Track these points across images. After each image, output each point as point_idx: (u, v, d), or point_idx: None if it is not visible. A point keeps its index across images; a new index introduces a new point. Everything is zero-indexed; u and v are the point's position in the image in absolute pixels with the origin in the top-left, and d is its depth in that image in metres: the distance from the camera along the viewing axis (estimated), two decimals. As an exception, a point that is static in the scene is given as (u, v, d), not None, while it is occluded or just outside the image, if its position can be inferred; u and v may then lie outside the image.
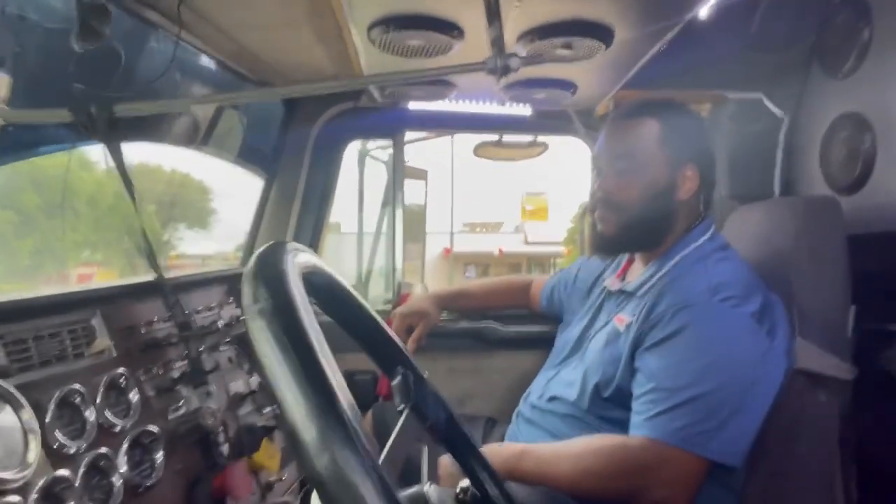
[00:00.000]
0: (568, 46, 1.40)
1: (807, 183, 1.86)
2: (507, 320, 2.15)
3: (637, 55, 1.53)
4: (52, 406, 0.97)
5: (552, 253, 20.73)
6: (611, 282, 1.50)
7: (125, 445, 1.09)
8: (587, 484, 1.22)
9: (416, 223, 3.20)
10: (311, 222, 2.20)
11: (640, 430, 1.21)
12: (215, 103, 1.81)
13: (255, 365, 1.45)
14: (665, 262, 1.36)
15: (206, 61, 1.70)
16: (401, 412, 0.68)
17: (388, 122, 2.20)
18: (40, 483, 0.89)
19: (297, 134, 2.13)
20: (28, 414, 0.91)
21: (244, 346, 1.50)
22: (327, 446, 0.39)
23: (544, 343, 1.68)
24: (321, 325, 0.64)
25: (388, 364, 0.72)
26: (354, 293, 0.67)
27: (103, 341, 1.15)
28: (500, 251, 22.11)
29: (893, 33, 1.56)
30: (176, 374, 1.27)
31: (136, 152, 1.45)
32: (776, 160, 1.93)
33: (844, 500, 1.34)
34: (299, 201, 2.16)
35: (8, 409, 0.90)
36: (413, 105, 2.15)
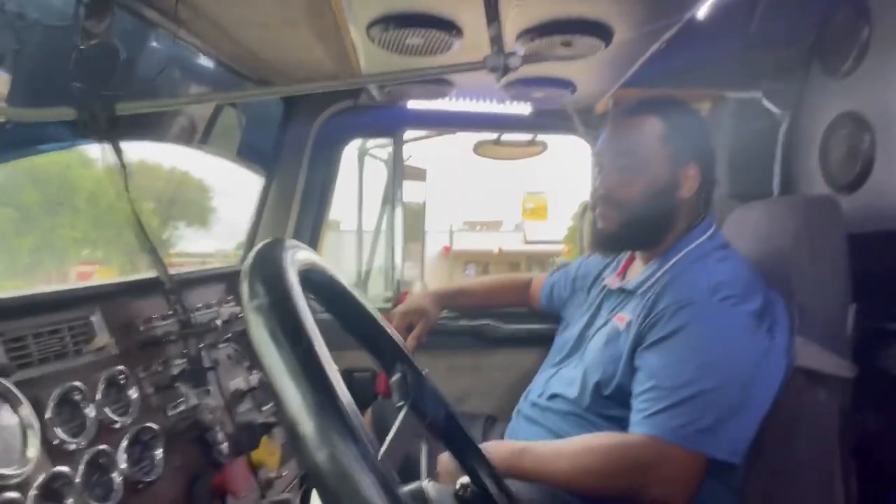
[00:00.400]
0: (567, 45, 1.40)
1: (806, 182, 1.86)
2: (506, 318, 2.15)
3: (636, 54, 1.53)
4: (51, 403, 0.97)
5: (552, 252, 20.74)
6: (611, 280, 1.50)
7: (125, 442, 1.09)
8: (587, 481, 1.23)
9: (415, 222, 3.20)
10: (310, 220, 2.20)
11: (639, 427, 1.21)
12: (215, 102, 1.81)
13: (254, 362, 1.45)
14: (665, 261, 1.36)
15: (204, 60, 1.69)
16: (400, 409, 0.68)
17: (388, 120, 2.20)
18: (40, 479, 0.89)
19: (296, 132, 2.13)
20: (27, 410, 0.92)
21: (243, 344, 1.50)
22: (327, 441, 0.39)
23: (544, 341, 1.68)
24: (321, 322, 0.64)
25: (387, 361, 0.72)
26: (353, 290, 0.67)
27: (103, 338, 1.15)
28: (500, 250, 22.12)
29: (893, 32, 1.56)
30: (175, 372, 1.28)
31: (136, 150, 1.45)
32: (776, 159, 1.93)
33: (844, 498, 1.35)
34: (298, 200, 2.16)
35: (7, 406, 0.90)
36: (412, 104, 2.15)
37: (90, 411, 1.04)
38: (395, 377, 0.70)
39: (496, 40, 1.22)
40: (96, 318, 1.17)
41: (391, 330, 0.72)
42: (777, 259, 1.40)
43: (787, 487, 1.33)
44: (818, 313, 1.36)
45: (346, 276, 0.67)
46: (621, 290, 1.44)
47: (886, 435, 1.45)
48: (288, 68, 1.77)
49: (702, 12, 1.35)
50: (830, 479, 1.34)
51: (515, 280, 2.01)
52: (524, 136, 2.37)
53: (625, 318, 1.35)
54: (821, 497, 1.34)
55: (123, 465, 1.07)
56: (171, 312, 1.29)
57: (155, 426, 1.16)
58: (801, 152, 1.88)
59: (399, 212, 2.27)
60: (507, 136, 2.36)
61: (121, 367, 1.15)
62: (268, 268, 0.49)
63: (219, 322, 1.44)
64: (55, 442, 0.96)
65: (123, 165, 1.23)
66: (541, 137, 2.38)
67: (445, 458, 1.27)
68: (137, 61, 1.46)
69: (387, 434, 0.63)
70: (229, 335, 1.48)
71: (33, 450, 0.90)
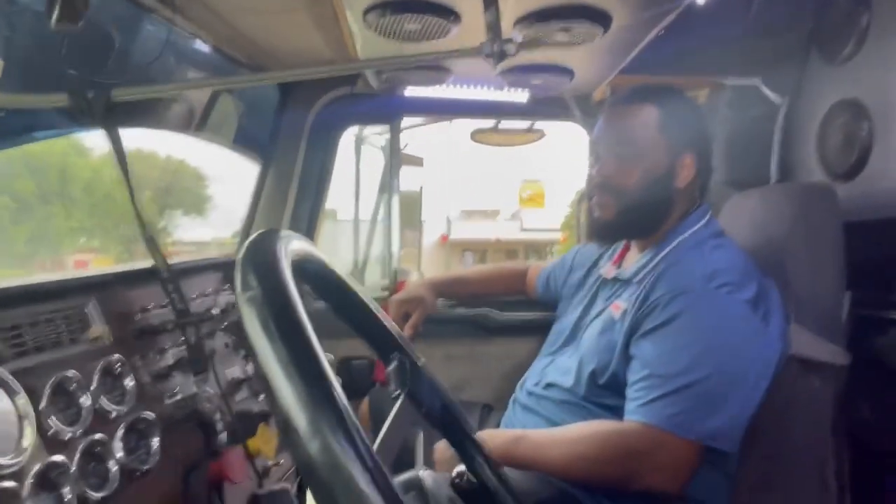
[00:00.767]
0: (565, 31, 1.39)
1: (803, 170, 1.86)
2: (503, 307, 2.15)
3: (635, 40, 1.52)
4: (47, 392, 0.97)
5: (549, 240, 20.73)
6: (606, 269, 1.50)
7: (121, 431, 1.09)
8: (582, 469, 1.23)
9: (412, 210, 3.20)
10: (307, 209, 2.19)
11: (634, 415, 1.21)
12: (212, 87, 1.79)
13: (251, 351, 1.45)
14: (661, 250, 1.36)
15: (200, 46, 1.68)
16: (396, 398, 0.68)
17: (385, 107, 2.18)
18: (36, 468, 0.89)
19: (292, 120, 2.12)
20: (23, 400, 0.91)
21: (240, 333, 1.50)
22: (318, 432, 0.39)
23: (540, 330, 1.68)
24: (318, 311, 0.64)
25: (383, 350, 0.72)
26: (349, 279, 0.67)
27: (98, 327, 1.15)
28: (497, 238, 22.11)
29: (892, 19, 1.55)
30: (172, 361, 1.27)
31: (132, 138, 1.44)
32: (773, 146, 1.93)
33: (837, 485, 1.36)
34: (295, 188, 2.16)
35: (2, 394, 0.89)
36: (409, 91, 2.14)
37: (86, 400, 1.04)
38: (392, 366, 0.70)
39: (493, 26, 1.21)
40: (92, 308, 1.16)
41: (387, 319, 0.72)
42: (773, 247, 1.40)
43: (782, 474, 1.34)
44: (813, 301, 1.36)
45: (342, 265, 0.67)
46: (617, 279, 1.44)
47: (880, 422, 1.46)
48: (284, 55, 1.76)
49: (700, -2, 1.34)
50: (824, 466, 1.35)
51: (512, 269, 2.01)
52: (522, 124, 2.37)
53: (620, 306, 1.35)
54: (814, 483, 1.35)
55: (119, 454, 1.06)
56: (167, 301, 1.28)
57: (151, 415, 1.16)
58: (799, 140, 1.87)
59: (396, 200, 2.27)
60: (505, 124, 2.35)
61: (117, 357, 1.15)
62: (261, 259, 0.48)
63: (215, 311, 1.44)
64: (51, 431, 0.96)
65: (121, 152, 1.22)
66: (538, 125, 2.37)
67: (442, 447, 1.28)
68: (133, 48, 1.44)
69: (384, 422, 0.63)
70: (226, 324, 1.48)
71: (29, 439, 0.90)
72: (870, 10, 1.62)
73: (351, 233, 3.43)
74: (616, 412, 1.27)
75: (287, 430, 0.40)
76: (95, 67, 1.25)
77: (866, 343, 1.45)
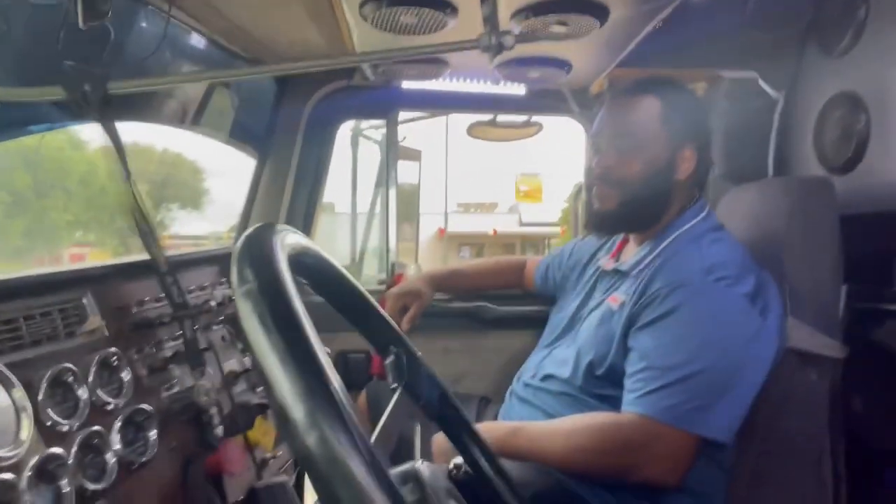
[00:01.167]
0: (562, 24, 1.39)
1: (800, 163, 1.86)
2: (501, 300, 2.15)
3: (632, 33, 1.52)
4: (43, 385, 0.97)
5: (546, 233, 20.76)
6: (605, 261, 1.50)
7: (118, 423, 1.09)
8: (579, 460, 1.24)
9: (409, 203, 3.20)
10: (303, 202, 2.19)
11: (632, 407, 1.22)
12: (208, 81, 1.78)
13: (247, 344, 1.45)
14: (659, 243, 1.37)
15: (196, 39, 1.67)
16: (394, 391, 0.68)
17: (382, 101, 2.18)
18: (33, 461, 0.89)
19: (289, 113, 2.11)
20: (20, 392, 0.91)
21: (237, 326, 1.50)
22: (316, 424, 0.39)
23: (538, 322, 1.69)
24: (315, 305, 0.64)
25: (381, 343, 0.72)
26: (345, 273, 0.67)
27: (95, 321, 1.15)
28: (495, 231, 22.12)
29: (890, 12, 1.55)
30: (169, 354, 1.28)
31: (127, 132, 1.43)
32: (770, 140, 1.93)
33: (833, 478, 1.36)
34: (292, 181, 2.15)
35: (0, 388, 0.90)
36: (406, 84, 2.14)
37: (83, 393, 1.04)
38: (390, 359, 0.70)
39: (490, 19, 1.21)
40: (88, 301, 1.16)
41: (384, 312, 0.72)
42: (770, 240, 1.41)
43: (778, 466, 1.34)
44: (810, 294, 1.37)
45: (339, 258, 0.67)
46: (615, 271, 1.44)
47: (876, 415, 1.46)
48: (281, 48, 1.75)
49: (697, -9, 1.33)
50: (820, 459, 1.35)
51: (510, 262, 2.01)
52: (519, 117, 2.36)
53: (618, 298, 1.35)
54: (811, 476, 1.36)
55: (117, 447, 1.07)
56: (163, 294, 1.28)
57: (149, 407, 1.16)
58: (796, 133, 1.87)
59: (393, 193, 2.26)
60: (502, 117, 2.35)
61: (113, 350, 1.15)
62: (257, 252, 0.48)
63: (213, 304, 1.44)
64: (48, 423, 0.96)
65: (119, 145, 1.21)
66: (536, 118, 2.36)
67: (440, 439, 1.28)
68: (129, 41, 1.44)
69: (381, 415, 0.64)
70: (223, 317, 1.48)
71: (27, 431, 0.90)
72: (867, 2, 1.61)
73: (348, 226, 3.43)
74: (613, 403, 1.28)
75: (284, 423, 0.40)
76: (91, 61, 1.24)
77: (863, 336, 1.46)
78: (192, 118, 1.82)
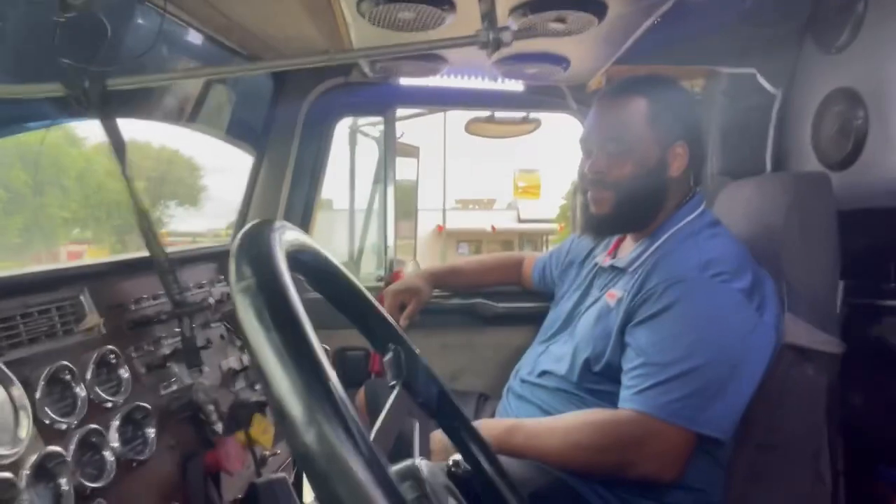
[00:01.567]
0: (560, 20, 1.38)
1: (798, 159, 1.86)
2: (499, 297, 2.15)
3: (630, 29, 1.51)
4: (41, 382, 0.97)
5: (545, 230, 20.77)
6: (602, 258, 1.51)
7: (117, 421, 1.09)
8: (577, 457, 1.24)
9: (408, 200, 3.19)
10: (301, 199, 2.18)
11: (629, 403, 1.22)
12: (207, 77, 1.78)
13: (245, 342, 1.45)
14: (655, 239, 1.37)
15: (193, 35, 1.67)
16: (392, 388, 0.68)
17: (380, 98, 2.17)
18: (32, 459, 0.89)
19: (286, 110, 2.10)
20: (18, 390, 0.91)
21: (235, 323, 1.49)
22: (314, 421, 0.39)
23: (536, 319, 1.69)
24: (313, 301, 0.64)
25: (379, 340, 0.72)
26: (344, 270, 0.67)
27: (93, 318, 1.15)
28: (493, 228, 22.11)
29: (888, 7, 1.55)
30: (167, 351, 1.27)
31: (125, 129, 1.43)
32: (768, 136, 1.93)
33: (831, 473, 1.37)
34: (290, 178, 2.15)
35: (-3, 386, 0.89)
36: (404, 81, 2.13)
37: (81, 391, 1.04)
38: (388, 357, 0.70)
39: (488, 15, 1.21)
40: (86, 298, 1.16)
41: (382, 309, 0.72)
42: (767, 236, 1.41)
43: (775, 462, 1.35)
44: (807, 290, 1.37)
45: (337, 255, 0.67)
46: (612, 268, 1.44)
47: (873, 410, 1.47)
48: (278, 44, 1.75)
49: (696, -13, 1.33)
50: (818, 454, 1.36)
51: (508, 259, 2.01)
52: (517, 114, 2.36)
53: (616, 294, 1.35)
54: (808, 471, 1.36)
55: (115, 444, 1.06)
56: (162, 292, 1.28)
57: (147, 405, 1.16)
58: (794, 129, 1.87)
59: (391, 190, 2.26)
60: (501, 114, 2.34)
61: (111, 347, 1.14)
62: (255, 249, 0.48)
63: (211, 301, 1.43)
64: (46, 421, 0.95)
65: (119, 141, 1.21)
66: (534, 114, 2.36)
67: (438, 435, 1.28)
68: (126, 37, 1.43)
69: (380, 412, 0.64)
70: (221, 315, 1.48)
71: (25, 430, 0.90)
72: (865, -3, 1.61)
73: (347, 222, 3.42)
74: (609, 399, 1.28)
75: (283, 421, 0.39)
76: (89, 57, 1.23)
77: (860, 332, 1.46)
78: (190, 115, 1.82)
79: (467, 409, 1.72)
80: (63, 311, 1.10)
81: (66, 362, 1.03)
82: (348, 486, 0.38)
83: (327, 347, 1.67)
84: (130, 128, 1.58)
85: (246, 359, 1.52)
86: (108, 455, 1.04)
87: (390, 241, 2.22)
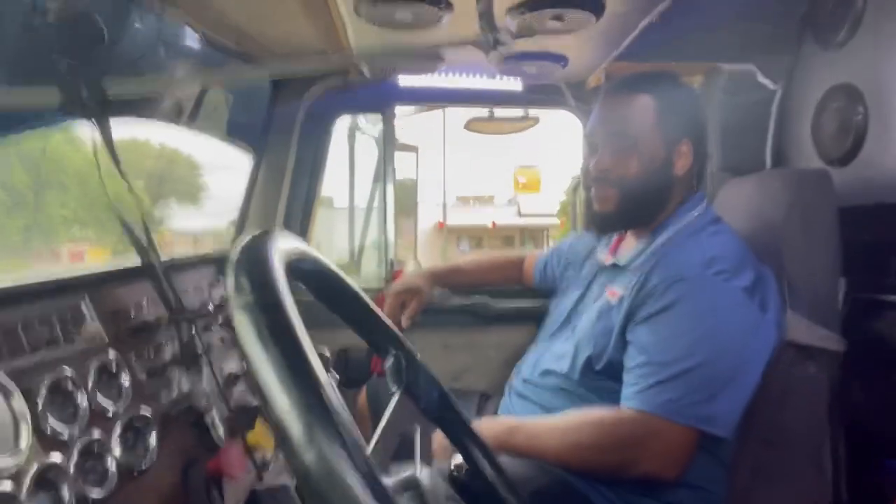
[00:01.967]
0: (558, 18, 1.38)
1: (798, 155, 1.86)
2: (500, 296, 2.15)
3: (629, 27, 1.51)
4: (43, 392, 0.96)
5: (546, 225, 20.74)
6: (603, 256, 1.50)
7: (118, 429, 1.08)
8: (579, 456, 1.24)
9: (407, 198, 3.20)
10: (301, 198, 2.18)
11: (630, 402, 1.22)
12: (204, 81, 1.77)
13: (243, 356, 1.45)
14: (657, 237, 1.36)
15: (189, 37, 1.66)
16: (393, 394, 0.68)
17: (378, 96, 2.17)
18: (34, 469, 0.88)
19: (285, 110, 2.10)
20: (18, 400, 0.91)
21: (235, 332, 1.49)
22: (314, 442, 0.39)
23: (537, 318, 1.69)
24: (314, 303, 0.64)
25: (380, 346, 0.72)
26: (344, 277, 0.67)
27: (93, 326, 1.14)
28: (494, 224, 22.11)
29: (887, 3, 1.54)
30: (167, 357, 1.27)
31: (124, 127, 1.42)
32: (768, 132, 1.92)
33: (833, 470, 1.37)
34: (289, 178, 2.15)
35: (-2, 396, 0.89)
36: (403, 79, 2.13)
37: (82, 399, 1.04)
38: (389, 362, 0.70)
39: (485, 15, 1.20)
40: (86, 306, 1.15)
41: (383, 315, 0.72)
42: (768, 232, 1.40)
43: (777, 460, 1.35)
44: (808, 287, 1.37)
45: (338, 253, 0.67)
46: (614, 266, 1.44)
47: (875, 407, 1.46)
48: (275, 44, 1.74)
49: (694, -17, 1.32)
50: (820, 452, 1.36)
51: (509, 258, 2.01)
52: (516, 111, 2.36)
53: (617, 292, 1.35)
54: (810, 469, 1.36)
55: (117, 452, 1.06)
56: (161, 298, 1.28)
57: (148, 412, 1.15)
58: (794, 125, 1.87)
59: (391, 189, 2.26)
60: (500, 112, 2.34)
61: (112, 354, 1.14)
62: (254, 264, 0.48)
63: (210, 306, 1.43)
64: (48, 431, 0.95)
65: (112, 144, 1.20)
66: (533, 111, 2.36)
67: (440, 436, 1.28)
68: (122, 39, 1.42)
69: (382, 412, 0.64)
70: (221, 319, 1.48)
71: (26, 439, 0.89)
72: (864, -7, 1.60)
73: (346, 220, 3.42)
74: (611, 398, 1.28)
75: (283, 440, 0.39)
76: (85, 60, 1.23)
77: (862, 328, 1.45)
78: (189, 117, 1.81)
79: (469, 409, 1.72)
80: (63, 320, 1.10)
81: (67, 371, 1.03)
82: None
83: (327, 351, 1.67)
84: (131, 126, 1.58)
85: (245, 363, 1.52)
86: (110, 463, 1.04)
87: (391, 241, 2.22)
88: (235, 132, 2.05)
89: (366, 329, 0.72)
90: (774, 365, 1.26)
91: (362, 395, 1.81)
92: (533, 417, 1.37)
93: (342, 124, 2.61)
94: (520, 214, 22.60)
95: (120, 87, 1.19)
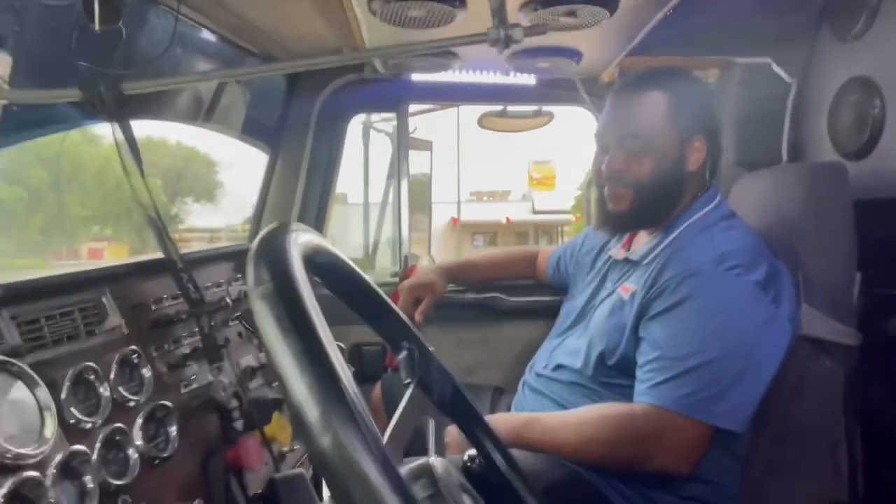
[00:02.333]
0: (571, 14, 1.38)
1: (814, 149, 1.84)
2: (513, 291, 2.16)
3: (642, 21, 1.50)
4: (66, 383, 0.99)
5: (560, 221, 20.65)
6: (616, 251, 1.50)
7: (140, 420, 1.11)
8: (592, 451, 1.25)
9: (422, 194, 3.20)
10: (316, 195, 2.20)
11: (644, 397, 1.22)
12: (220, 79, 1.80)
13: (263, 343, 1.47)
14: (670, 232, 1.36)
15: (206, 36, 1.68)
16: (407, 386, 0.69)
17: (392, 94, 2.18)
18: (58, 458, 0.91)
19: (300, 107, 2.12)
20: (43, 391, 0.93)
21: (253, 322, 1.51)
22: (330, 427, 0.40)
23: (550, 313, 1.69)
24: (330, 298, 0.65)
25: (394, 339, 0.73)
26: (359, 271, 0.68)
27: (115, 319, 1.17)
28: (508, 220, 22.05)
29: None
30: (187, 350, 1.30)
31: (142, 127, 1.45)
32: (784, 126, 1.91)
33: (848, 465, 1.36)
34: (304, 175, 2.17)
35: (23, 387, 0.92)
36: (417, 76, 2.14)
37: (104, 390, 1.06)
38: (403, 355, 0.71)
39: (498, 12, 1.20)
40: (107, 300, 1.18)
41: (397, 309, 0.73)
42: (784, 227, 1.40)
43: (792, 455, 1.34)
44: (824, 281, 1.36)
45: (352, 249, 0.68)
46: (626, 261, 1.44)
47: (891, 402, 1.46)
48: (291, 42, 1.76)
49: (708, -23, 1.32)
50: (835, 447, 1.35)
51: (522, 253, 2.01)
52: (530, 107, 2.35)
53: (630, 288, 1.35)
54: (826, 464, 1.35)
55: (139, 442, 1.09)
56: (180, 292, 1.30)
57: (169, 403, 1.18)
58: (810, 118, 1.85)
59: (405, 185, 2.27)
60: (513, 107, 2.34)
61: (133, 347, 1.17)
62: (272, 255, 0.49)
63: (229, 300, 1.45)
64: (71, 421, 0.98)
65: (135, 146, 1.23)
66: (547, 108, 2.36)
67: (453, 430, 1.29)
68: (140, 39, 1.45)
69: (396, 407, 0.65)
70: (239, 313, 1.50)
71: (50, 429, 0.92)
72: (881, -15, 1.59)
73: (361, 216, 3.44)
74: (624, 393, 1.28)
75: (300, 425, 0.41)
76: (104, 60, 1.25)
77: (878, 323, 1.45)
78: (205, 115, 1.84)
79: (483, 403, 1.73)
80: (86, 313, 1.13)
81: (89, 363, 1.05)
82: (361, 489, 0.39)
83: (342, 345, 1.68)
84: (148, 125, 1.61)
85: (263, 356, 1.54)
86: (132, 453, 1.07)
87: (405, 236, 2.23)
88: (252, 130, 2.07)
89: (380, 323, 0.73)
90: (789, 359, 1.26)
91: (376, 391, 1.83)
92: (547, 412, 1.38)
93: (357, 121, 2.62)
94: (534, 211, 22.52)
95: (138, 86, 1.20)
